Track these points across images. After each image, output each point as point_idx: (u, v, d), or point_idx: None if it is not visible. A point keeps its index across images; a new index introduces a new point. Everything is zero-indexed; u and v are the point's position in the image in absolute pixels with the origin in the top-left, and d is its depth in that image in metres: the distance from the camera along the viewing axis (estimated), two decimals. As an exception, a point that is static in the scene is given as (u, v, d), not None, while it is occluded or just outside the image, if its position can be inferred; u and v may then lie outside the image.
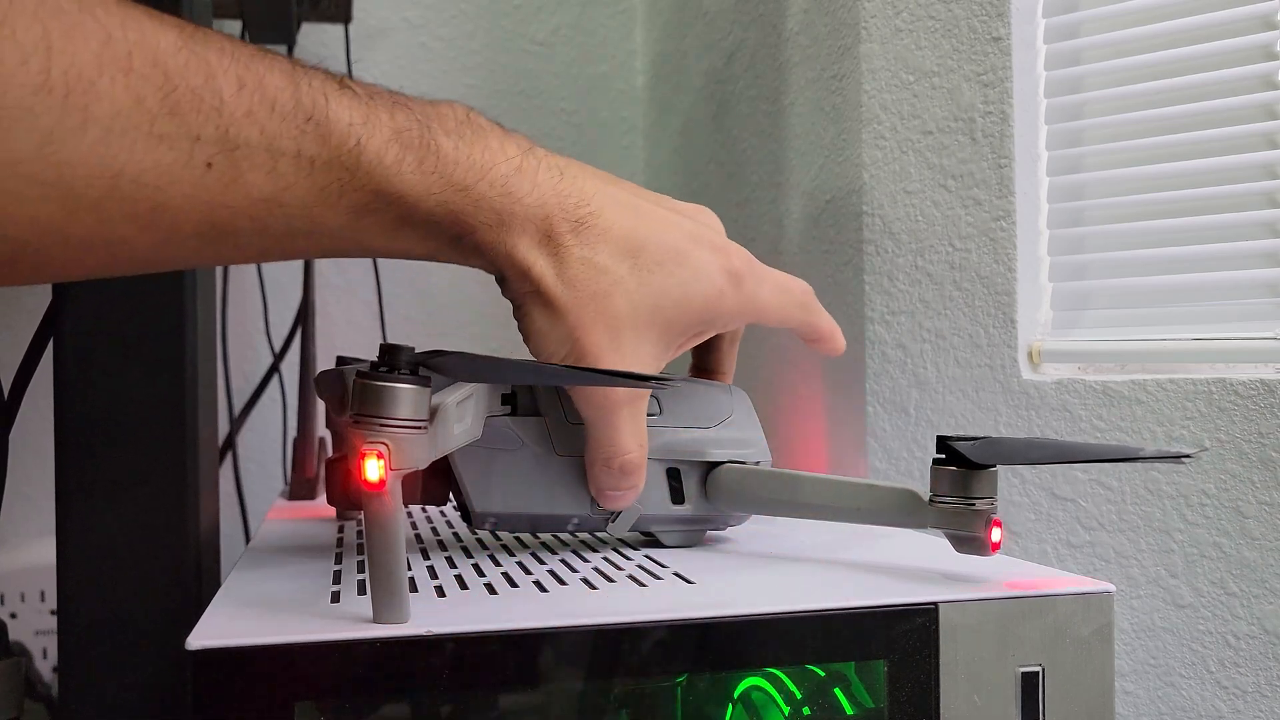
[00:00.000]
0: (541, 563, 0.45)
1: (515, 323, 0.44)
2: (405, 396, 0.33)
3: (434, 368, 0.34)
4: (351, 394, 0.33)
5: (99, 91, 0.30)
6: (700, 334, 0.47)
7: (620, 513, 0.47)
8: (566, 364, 0.42)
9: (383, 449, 0.32)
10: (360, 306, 1.17)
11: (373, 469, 0.32)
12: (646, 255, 0.43)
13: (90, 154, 0.30)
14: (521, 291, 0.42)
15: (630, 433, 0.44)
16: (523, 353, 0.45)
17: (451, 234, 0.39)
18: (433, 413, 0.34)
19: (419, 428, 0.33)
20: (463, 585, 0.40)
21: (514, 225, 0.40)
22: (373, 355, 0.34)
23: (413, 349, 0.33)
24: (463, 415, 0.38)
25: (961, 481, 0.41)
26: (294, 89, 0.34)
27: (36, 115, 0.29)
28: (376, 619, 0.33)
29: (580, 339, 0.42)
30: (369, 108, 0.36)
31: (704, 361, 0.53)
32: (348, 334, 1.16)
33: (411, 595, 0.36)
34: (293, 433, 0.97)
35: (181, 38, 0.32)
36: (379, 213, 0.37)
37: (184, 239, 0.35)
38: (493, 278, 0.43)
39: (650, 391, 0.45)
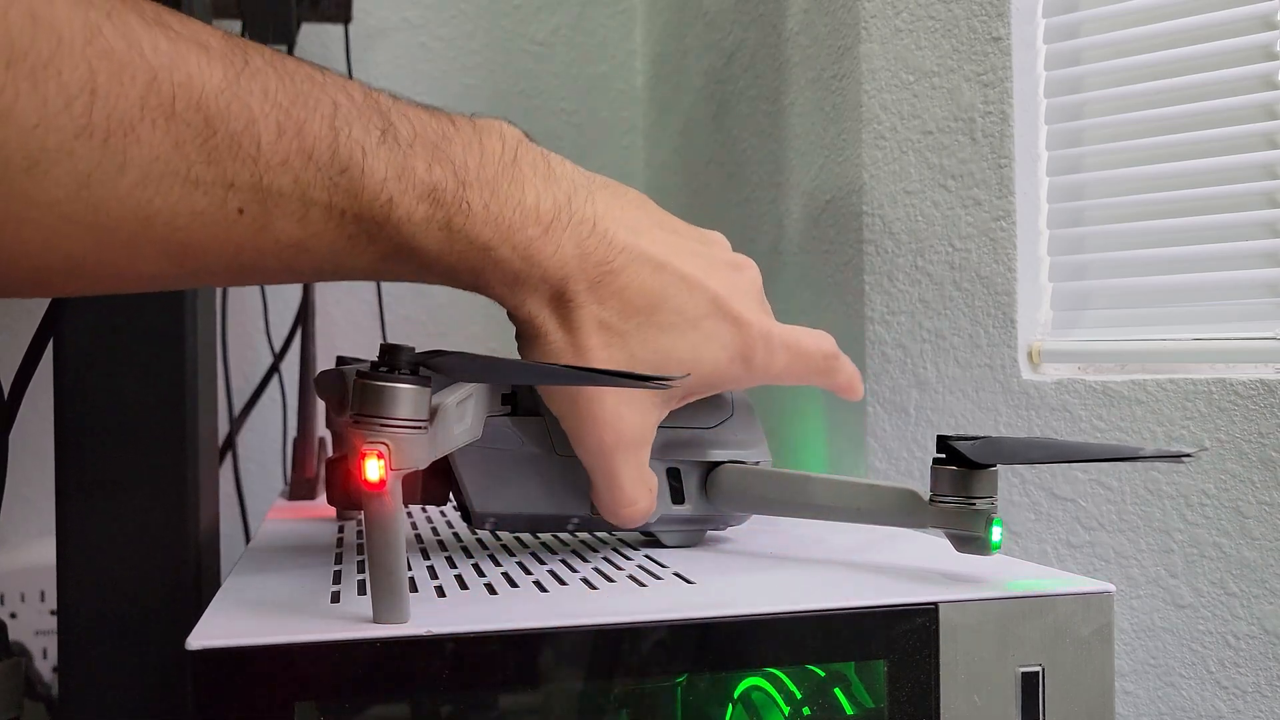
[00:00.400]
0: (541, 563, 0.45)
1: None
2: (405, 396, 0.33)
3: (434, 368, 0.34)
4: (352, 394, 0.33)
5: (139, 135, 0.30)
6: (690, 399, 0.47)
7: None
8: (564, 413, 0.43)
9: (383, 449, 0.32)
10: (360, 306, 1.17)
11: (373, 469, 0.32)
12: (660, 316, 0.43)
13: (126, 196, 0.31)
14: (531, 345, 0.42)
15: (633, 480, 0.44)
16: (513, 352, 0.45)
17: (468, 283, 0.40)
18: (433, 413, 0.34)
19: (419, 428, 0.33)
20: (463, 585, 0.40)
21: (528, 286, 0.40)
22: (373, 355, 0.34)
23: (413, 349, 0.33)
24: (463, 415, 0.38)
25: (962, 481, 0.41)
26: (333, 139, 0.34)
27: (76, 158, 0.29)
28: (376, 619, 0.33)
29: (582, 393, 0.42)
30: (405, 160, 0.36)
31: None
32: (348, 334, 1.16)
33: (411, 595, 0.36)
34: (293, 433, 0.97)
35: (227, 78, 0.32)
36: (403, 262, 0.38)
37: (211, 274, 0.35)
38: None
39: (653, 437, 0.45)
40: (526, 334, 0.42)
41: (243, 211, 0.33)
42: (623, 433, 0.43)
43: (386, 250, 0.37)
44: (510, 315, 0.43)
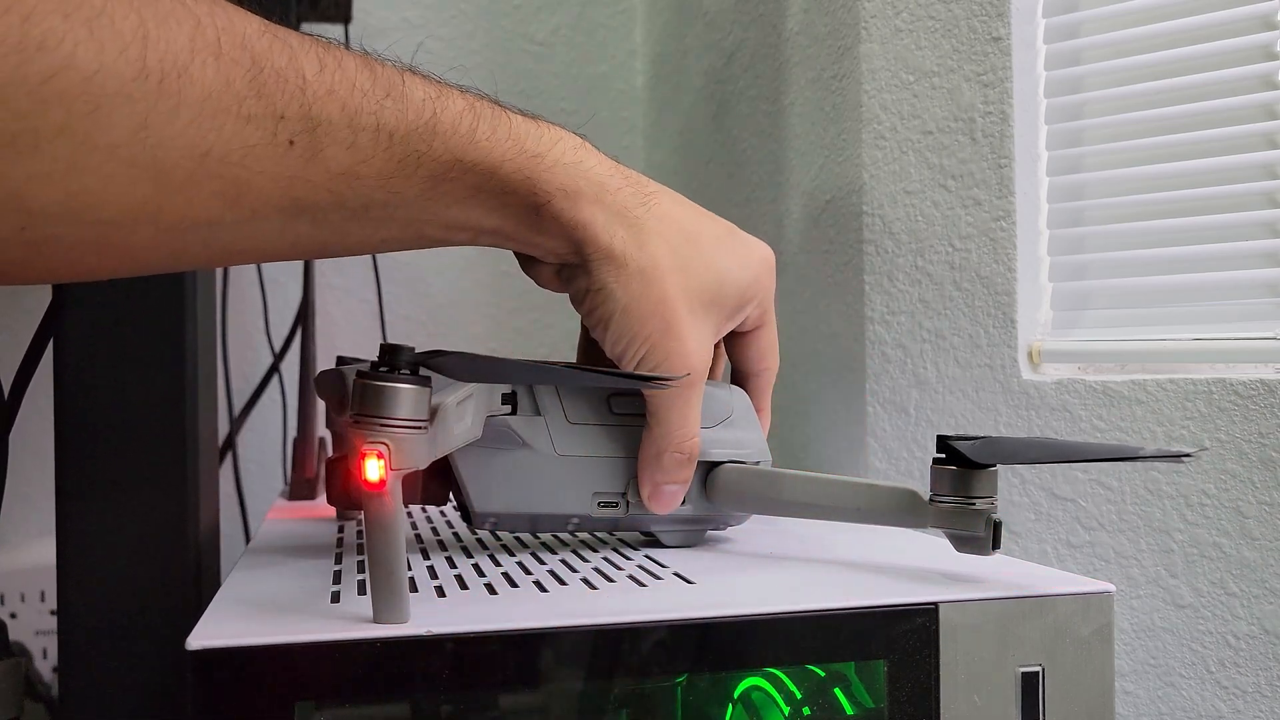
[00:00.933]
0: (541, 563, 0.45)
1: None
2: (405, 396, 0.33)
3: (434, 368, 0.34)
4: (352, 394, 0.33)
5: (191, 76, 0.31)
6: (737, 317, 0.47)
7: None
8: (654, 337, 0.43)
9: (383, 449, 0.32)
10: (360, 306, 1.17)
11: (373, 469, 0.32)
12: (704, 239, 0.44)
13: (182, 136, 0.32)
14: (602, 269, 0.42)
15: (695, 418, 0.45)
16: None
17: (527, 204, 0.40)
18: (433, 413, 0.34)
19: (419, 428, 0.33)
20: (463, 585, 0.40)
21: (588, 195, 0.41)
22: (373, 355, 0.34)
23: (413, 349, 0.33)
24: (463, 415, 0.38)
25: (962, 481, 0.41)
26: (370, 70, 0.36)
27: (134, 101, 0.30)
28: (377, 619, 0.33)
29: (669, 308, 0.42)
30: (440, 86, 0.38)
31: (745, 362, 0.52)
32: (348, 334, 1.16)
33: (411, 595, 0.36)
34: (293, 433, 0.97)
35: (263, 24, 0.34)
36: (455, 180, 0.38)
37: (266, 215, 0.36)
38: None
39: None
40: (594, 255, 0.42)
41: (293, 143, 0.34)
42: (698, 366, 0.44)
43: (435, 170, 0.37)
44: (573, 263, 0.42)
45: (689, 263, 0.43)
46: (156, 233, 0.34)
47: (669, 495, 0.46)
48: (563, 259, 0.43)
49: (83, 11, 0.29)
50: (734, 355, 0.52)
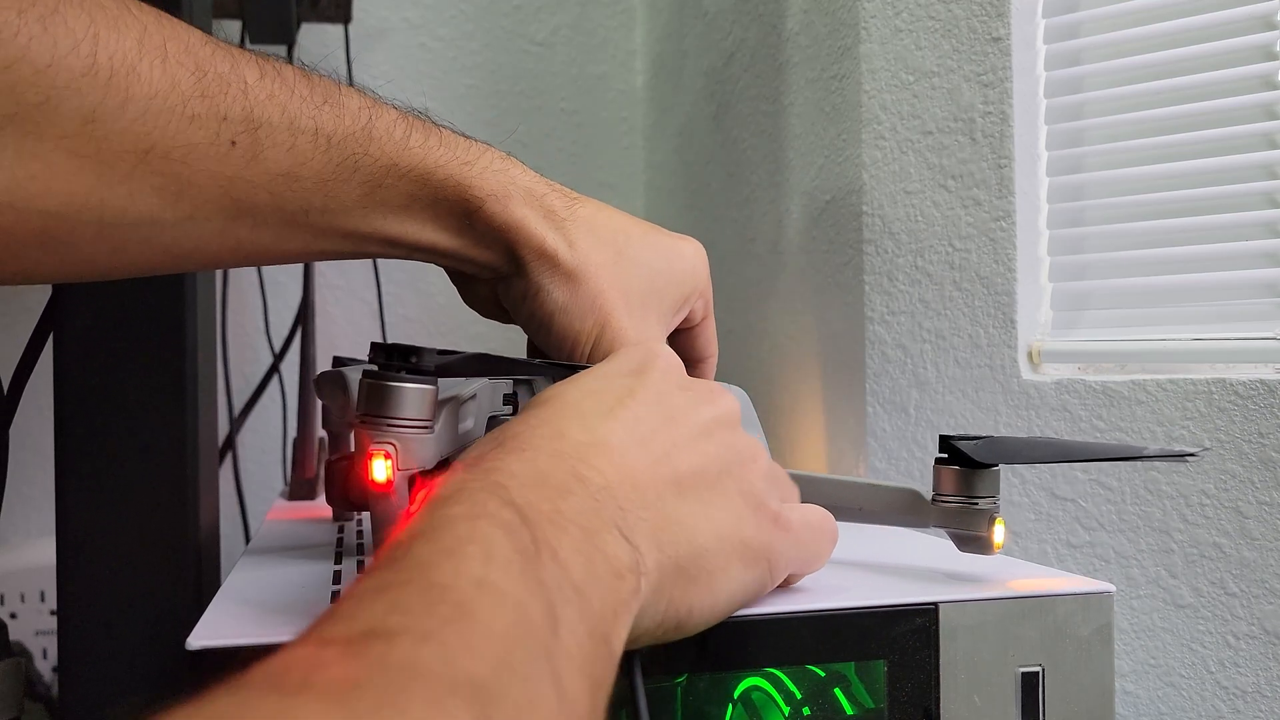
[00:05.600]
0: (542, 563, 0.45)
1: (517, 321, 0.44)
2: (412, 397, 0.33)
3: (440, 368, 0.34)
4: (358, 394, 0.33)
5: (139, 75, 0.33)
6: (682, 310, 0.48)
7: None
8: (594, 335, 0.43)
9: (390, 449, 0.32)
10: (360, 306, 1.17)
11: (380, 469, 0.32)
12: (633, 237, 0.45)
13: (128, 131, 0.33)
14: (537, 270, 0.43)
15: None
16: (517, 350, 0.45)
17: (459, 210, 0.41)
18: (438, 413, 0.34)
19: (425, 428, 0.33)
20: (463, 585, 0.40)
21: (518, 198, 0.42)
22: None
23: (418, 348, 0.34)
24: (467, 415, 0.38)
25: (964, 481, 0.41)
26: (308, 80, 0.38)
27: (83, 95, 0.32)
28: (378, 619, 0.33)
29: (604, 305, 0.43)
30: (375, 99, 0.40)
31: (691, 351, 0.53)
32: (348, 334, 1.16)
33: (412, 595, 0.36)
34: (293, 433, 0.97)
35: (206, 35, 0.36)
36: (390, 187, 0.39)
37: (208, 215, 0.37)
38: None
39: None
40: (528, 256, 0.42)
41: (235, 143, 0.35)
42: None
43: (371, 175, 0.38)
44: (507, 270, 0.43)
45: (621, 259, 0.44)
46: (99, 229, 0.35)
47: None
48: (497, 271, 0.44)
49: (37, 9, 0.31)
50: (679, 348, 0.52)
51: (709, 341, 0.52)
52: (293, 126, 0.36)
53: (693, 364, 0.52)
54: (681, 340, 0.52)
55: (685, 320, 0.49)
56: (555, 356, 0.44)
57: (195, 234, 0.37)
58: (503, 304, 0.45)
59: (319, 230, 0.39)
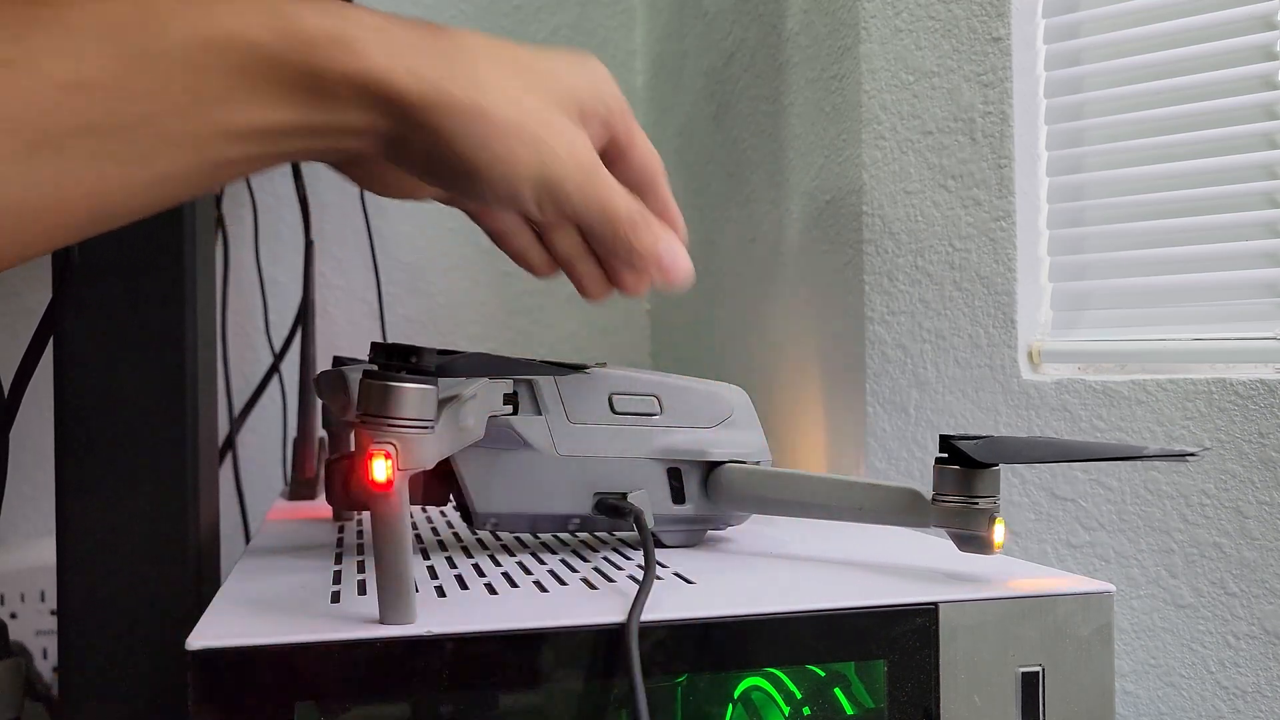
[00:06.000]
0: (541, 563, 0.45)
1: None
2: (413, 396, 0.33)
3: (441, 368, 0.34)
4: (359, 394, 0.33)
5: None
6: (591, 124, 0.41)
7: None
8: (535, 163, 0.37)
9: (390, 449, 0.32)
10: (360, 306, 1.17)
11: (380, 469, 0.32)
12: (519, 51, 0.40)
13: None
14: (430, 115, 0.35)
15: (614, 187, 0.40)
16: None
17: (300, 72, 0.33)
18: (439, 413, 0.34)
19: (426, 428, 0.33)
20: (463, 585, 0.40)
21: (365, 39, 0.34)
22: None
23: (418, 348, 0.33)
24: (466, 415, 0.38)
25: (965, 480, 0.41)
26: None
27: None
28: (383, 619, 0.33)
29: (531, 121, 0.37)
30: None
31: (631, 175, 0.44)
32: (348, 334, 1.16)
33: (412, 595, 0.36)
34: (293, 433, 0.97)
35: None
36: (210, 69, 0.32)
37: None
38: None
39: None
40: (410, 104, 0.35)
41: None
42: (588, 160, 0.39)
43: (181, 60, 0.32)
44: (371, 99, 0.35)
45: (517, 71, 0.38)
46: None
47: (671, 253, 0.40)
48: (382, 135, 0.36)
49: None
50: (622, 181, 0.43)
51: (646, 162, 0.44)
52: (70, 28, 0.30)
53: (642, 190, 0.44)
54: (620, 171, 0.43)
55: (612, 143, 0.42)
56: (495, 203, 0.38)
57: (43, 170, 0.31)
58: (416, 185, 0.40)
59: (150, 150, 0.32)
